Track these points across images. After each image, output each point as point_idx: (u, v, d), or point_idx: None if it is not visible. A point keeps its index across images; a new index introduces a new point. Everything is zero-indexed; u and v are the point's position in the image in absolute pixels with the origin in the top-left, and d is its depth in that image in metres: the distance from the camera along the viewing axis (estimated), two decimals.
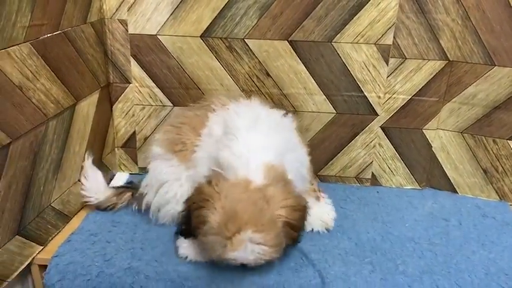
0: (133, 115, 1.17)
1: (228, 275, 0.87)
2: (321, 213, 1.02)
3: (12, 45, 0.78)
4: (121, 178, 1.20)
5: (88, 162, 1.05)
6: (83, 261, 0.90)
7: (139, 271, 0.89)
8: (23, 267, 0.88)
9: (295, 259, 0.93)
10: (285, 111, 0.98)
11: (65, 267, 0.89)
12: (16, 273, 0.86)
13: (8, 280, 0.84)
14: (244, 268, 0.84)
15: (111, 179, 1.19)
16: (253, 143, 0.85)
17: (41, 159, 0.90)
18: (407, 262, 0.93)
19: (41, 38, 0.85)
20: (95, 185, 1.05)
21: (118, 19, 1.08)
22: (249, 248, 0.77)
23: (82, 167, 1.05)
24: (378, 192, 1.19)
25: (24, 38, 0.81)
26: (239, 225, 0.76)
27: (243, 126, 0.88)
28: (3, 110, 0.78)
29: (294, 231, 0.83)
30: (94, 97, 1.07)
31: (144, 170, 1.21)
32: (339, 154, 1.19)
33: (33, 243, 0.91)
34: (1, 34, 0.75)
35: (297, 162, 0.93)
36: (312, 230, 1.01)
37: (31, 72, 0.84)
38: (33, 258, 0.91)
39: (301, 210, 0.85)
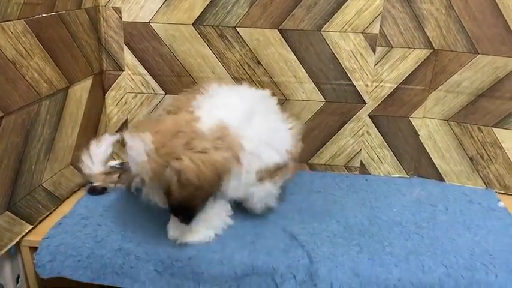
0: (125, 103, 1.19)
1: (218, 256, 0.88)
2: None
3: (7, 21, 0.80)
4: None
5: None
6: (73, 243, 0.91)
7: (129, 252, 0.89)
8: (12, 243, 0.88)
9: (284, 240, 0.93)
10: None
11: (55, 249, 0.90)
12: (5, 249, 0.86)
13: None
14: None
15: None
16: (220, 104, 0.90)
17: (33, 137, 0.91)
18: (394, 244, 0.94)
19: (36, 17, 0.88)
20: (92, 158, 1.05)
21: (112, 7, 1.10)
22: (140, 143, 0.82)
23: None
24: (366, 180, 1.20)
25: (18, 14, 0.83)
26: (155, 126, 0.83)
27: (221, 93, 0.94)
28: None
29: (179, 187, 0.81)
30: (87, 83, 1.09)
31: None
32: (328, 143, 1.20)
33: (23, 221, 0.91)
34: None
35: (266, 136, 0.92)
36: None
37: (25, 49, 0.85)
38: (23, 236, 0.91)
39: (198, 183, 0.81)
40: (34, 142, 0.92)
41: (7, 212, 0.87)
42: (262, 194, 0.96)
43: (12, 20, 0.81)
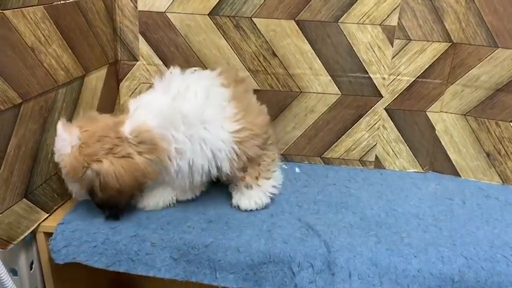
0: (140, 93, 1.18)
1: (234, 243, 0.88)
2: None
3: (27, 6, 0.80)
4: None
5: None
6: (88, 229, 0.90)
7: (145, 239, 0.89)
8: (28, 231, 0.87)
9: (301, 230, 0.93)
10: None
11: (70, 234, 0.89)
12: (22, 237, 0.86)
13: (14, 243, 0.84)
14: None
15: None
16: (145, 102, 0.91)
17: (49, 125, 0.91)
18: (413, 235, 0.93)
19: (55, 3, 0.87)
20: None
21: None
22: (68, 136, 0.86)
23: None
24: (381, 174, 1.20)
25: (38, 1, 0.82)
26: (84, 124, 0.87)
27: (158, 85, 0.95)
28: (16, 69, 0.79)
29: (100, 188, 0.85)
30: (102, 72, 1.08)
31: None
32: (343, 136, 1.20)
33: (39, 209, 0.91)
34: None
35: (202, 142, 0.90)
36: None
37: (43, 36, 0.85)
38: (39, 224, 0.90)
39: (115, 186, 0.85)
40: (51, 130, 0.91)
41: (24, 200, 0.86)
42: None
43: (32, 6, 0.81)
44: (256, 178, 0.98)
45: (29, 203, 0.88)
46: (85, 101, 1.02)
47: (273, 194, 1.02)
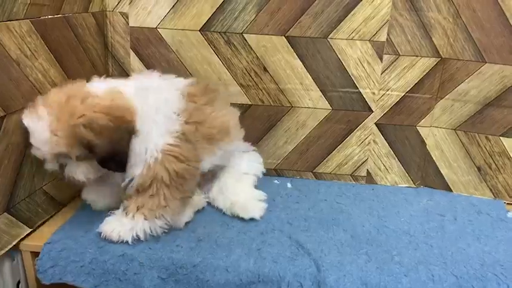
0: None
1: (223, 263, 0.86)
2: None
3: (12, 20, 0.79)
4: None
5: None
6: (76, 248, 0.88)
7: (133, 258, 0.87)
8: (10, 246, 0.86)
9: (291, 248, 0.92)
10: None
11: (57, 254, 0.88)
12: (2, 252, 0.84)
13: None
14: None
15: None
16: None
17: None
18: (403, 253, 0.92)
19: (42, 18, 0.87)
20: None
21: (119, 12, 1.10)
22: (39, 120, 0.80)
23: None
24: (373, 189, 1.19)
25: (24, 14, 0.82)
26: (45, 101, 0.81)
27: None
28: None
29: (96, 136, 0.80)
30: None
31: None
32: (334, 151, 1.19)
33: (22, 224, 0.89)
34: (1, 7, 0.77)
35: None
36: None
37: (29, 49, 0.85)
38: (21, 239, 0.89)
39: (110, 124, 0.82)
40: None
41: (5, 214, 0.85)
42: None
43: (18, 20, 0.81)
44: (137, 209, 0.89)
45: (11, 217, 0.86)
46: None
47: (154, 234, 0.91)
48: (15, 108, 0.82)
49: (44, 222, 0.95)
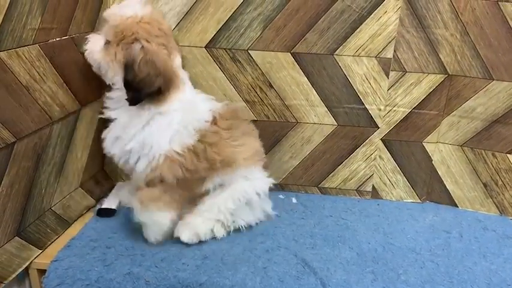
0: None
1: (229, 282, 0.87)
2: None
3: (22, 46, 0.80)
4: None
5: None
6: (82, 266, 0.89)
7: (139, 277, 0.88)
8: (20, 269, 0.86)
9: (297, 267, 0.92)
10: None
11: (64, 272, 0.88)
12: (14, 276, 0.85)
13: (5, 282, 0.83)
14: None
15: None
16: None
17: (43, 161, 0.90)
18: (409, 272, 0.92)
19: (50, 41, 0.87)
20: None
21: None
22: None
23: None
24: (378, 204, 1.19)
25: (33, 40, 0.83)
26: None
27: None
28: (9, 108, 0.79)
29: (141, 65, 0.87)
30: (99, 104, 1.08)
31: None
32: (339, 166, 1.19)
33: (32, 246, 0.90)
34: (11, 34, 0.77)
35: None
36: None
37: (38, 74, 0.85)
38: (31, 261, 0.89)
39: (161, 66, 0.89)
40: (45, 166, 0.91)
41: (16, 238, 0.85)
42: None
43: (27, 46, 0.81)
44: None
45: (22, 240, 0.87)
46: (80, 134, 1.02)
47: None
48: (25, 133, 0.83)
49: (52, 242, 0.96)
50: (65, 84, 0.93)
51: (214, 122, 0.96)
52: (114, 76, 0.92)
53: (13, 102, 0.79)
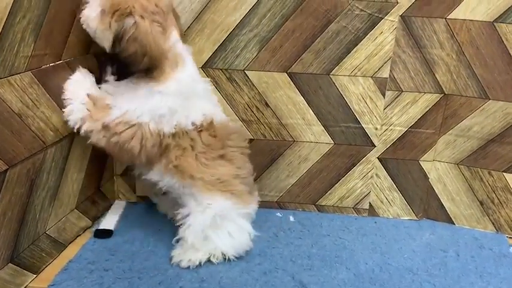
0: None
1: None
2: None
3: (14, 74, 0.79)
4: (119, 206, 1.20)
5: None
6: None
7: None
8: None
9: None
10: None
11: None
12: None
13: None
14: None
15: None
16: None
17: (37, 186, 0.89)
18: None
19: (43, 67, 0.86)
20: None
21: None
22: None
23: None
24: (375, 222, 1.19)
25: (26, 67, 0.82)
26: None
27: None
28: (1, 137, 0.78)
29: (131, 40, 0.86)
30: None
31: (141, 198, 1.22)
32: (336, 184, 1.19)
33: (26, 272, 0.89)
34: (3, 64, 0.76)
35: None
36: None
37: (31, 100, 0.84)
38: (26, 286, 0.88)
39: (150, 45, 0.87)
40: (39, 191, 0.90)
41: (10, 264, 0.84)
42: None
43: (19, 73, 0.80)
44: None
45: (15, 266, 0.86)
46: (75, 156, 1.01)
47: None
48: (17, 160, 0.82)
49: (47, 266, 0.95)
50: (58, 108, 0.92)
51: (199, 129, 0.95)
52: (110, 46, 0.90)
53: (5, 131, 0.78)
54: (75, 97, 0.93)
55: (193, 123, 0.94)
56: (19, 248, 0.87)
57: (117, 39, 0.87)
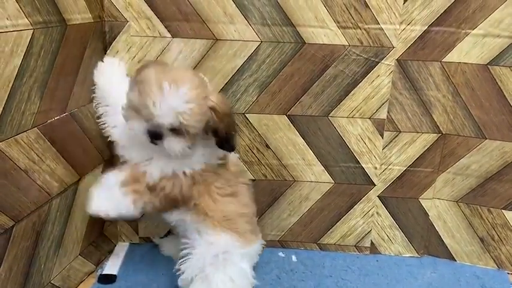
0: None
1: None
2: None
3: (21, 133, 0.80)
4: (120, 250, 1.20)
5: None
6: None
7: None
8: None
9: None
10: None
11: None
12: None
13: None
14: None
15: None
16: None
17: (43, 238, 0.90)
18: None
19: (49, 121, 0.88)
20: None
21: None
22: (174, 98, 0.80)
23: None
24: (377, 261, 1.19)
25: (32, 124, 0.83)
26: (172, 78, 0.81)
27: None
28: (8, 194, 0.79)
29: (219, 120, 0.86)
30: (98, 171, 1.09)
31: (144, 240, 1.22)
32: (338, 223, 1.20)
33: None
34: (10, 124, 0.78)
35: None
36: None
37: (37, 155, 0.85)
38: None
39: (229, 111, 0.89)
40: (44, 241, 0.91)
41: None
42: None
43: (26, 131, 0.82)
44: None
45: None
46: (79, 204, 1.01)
47: None
48: (23, 215, 0.83)
49: None
50: (63, 160, 0.93)
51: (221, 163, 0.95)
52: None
53: (11, 188, 0.79)
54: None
55: (218, 157, 0.95)
56: None
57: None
